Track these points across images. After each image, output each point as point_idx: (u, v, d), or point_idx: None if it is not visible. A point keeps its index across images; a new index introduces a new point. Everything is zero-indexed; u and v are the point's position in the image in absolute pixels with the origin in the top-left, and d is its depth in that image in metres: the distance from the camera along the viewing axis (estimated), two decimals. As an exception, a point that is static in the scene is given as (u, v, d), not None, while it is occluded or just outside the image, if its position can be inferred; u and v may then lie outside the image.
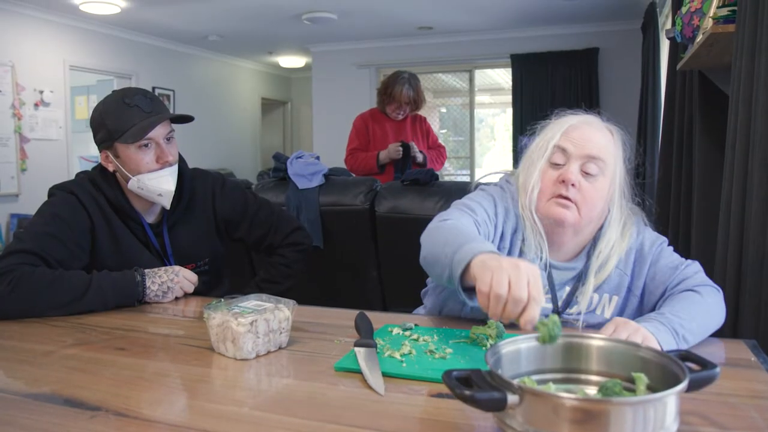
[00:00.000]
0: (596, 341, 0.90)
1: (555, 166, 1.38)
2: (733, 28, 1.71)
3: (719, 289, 1.35)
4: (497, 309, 0.94)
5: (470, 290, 1.10)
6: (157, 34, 7.44)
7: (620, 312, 1.40)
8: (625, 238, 1.41)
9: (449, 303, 1.49)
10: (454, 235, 1.21)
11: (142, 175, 1.67)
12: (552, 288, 1.41)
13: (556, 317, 0.86)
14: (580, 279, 1.42)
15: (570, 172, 1.34)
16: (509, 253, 1.42)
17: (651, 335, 1.15)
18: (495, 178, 1.63)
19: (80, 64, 6.61)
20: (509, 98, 7.59)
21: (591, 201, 1.35)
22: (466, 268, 1.07)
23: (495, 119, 11.54)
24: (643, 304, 1.40)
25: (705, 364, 0.82)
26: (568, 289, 1.43)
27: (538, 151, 1.42)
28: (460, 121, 8.33)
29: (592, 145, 1.35)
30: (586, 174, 1.35)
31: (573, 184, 1.33)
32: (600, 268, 1.38)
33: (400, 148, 3.79)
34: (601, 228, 1.42)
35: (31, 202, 5.84)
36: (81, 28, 6.58)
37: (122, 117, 1.64)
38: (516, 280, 0.93)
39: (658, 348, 1.13)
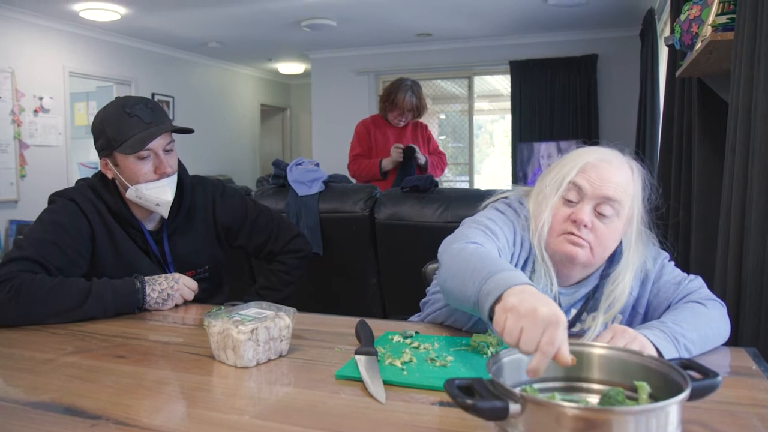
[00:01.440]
0: (598, 350, 0.90)
1: (568, 203, 1.32)
2: (732, 35, 1.72)
3: (723, 304, 1.33)
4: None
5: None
6: (157, 41, 7.45)
7: None
8: (635, 265, 1.37)
9: (456, 313, 1.44)
10: (481, 262, 1.12)
11: (140, 184, 1.67)
12: None
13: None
14: (587, 301, 1.40)
15: (583, 213, 1.29)
16: None
17: (649, 343, 1.14)
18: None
19: (80, 71, 6.62)
20: (508, 104, 7.60)
21: (604, 242, 1.31)
22: (496, 302, 1.00)
23: (494, 125, 11.56)
24: (646, 321, 1.38)
25: (707, 373, 0.82)
26: (574, 311, 1.41)
27: (552, 185, 1.35)
28: (458, 128, 8.34)
29: (609, 185, 1.29)
30: (599, 215, 1.30)
31: (585, 225, 1.29)
32: (611, 304, 1.34)
33: (401, 150, 3.77)
34: (612, 257, 1.38)
35: (30, 209, 5.83)
36: (81, 34, 6.59)
37: (122, 126, 1.64)
38: (528, 330, 0.87)
39: (657, 356, 1.13)
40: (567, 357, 0.85)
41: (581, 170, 1.32)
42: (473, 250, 1.19)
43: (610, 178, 1.30)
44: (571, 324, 1.40)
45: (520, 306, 0.90)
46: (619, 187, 1.30)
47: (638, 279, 1.39)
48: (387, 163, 3.83)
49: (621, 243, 1.37)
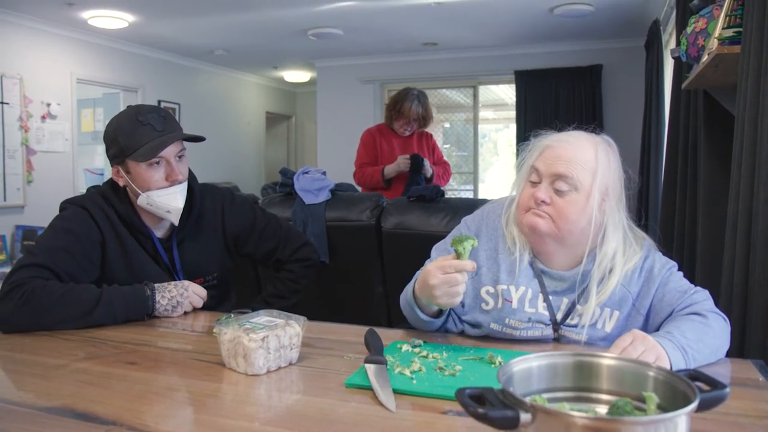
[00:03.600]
0: (607, 360, 0.91)
1: (532, 184, 1.43)
2: (739, 49, 1.73)
3: (726, 318, 1.35)
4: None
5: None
6: (164, 48, 7.49)
7: (621, 328, 1.40)
8: (632, 258, 1.41)
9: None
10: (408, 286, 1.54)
11: (152, 191, 1.68)
12: (546, 297, 1.43)
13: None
14: (582, 293, 1.42)
15: (540, 190, 1.39)
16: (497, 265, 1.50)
17: (665, 355, 1.16)
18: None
19: (87, 78, 6.65)
20: (512, 114, 7.61)
21: (564, 214, 1.38)
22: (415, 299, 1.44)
23: (498, 134, 11.56)
24: (648, 323, 1.41)
25: (715, 384, 0.83)
26: (566, 300, 1.43)
27: (520, 171, 1.49)
28: (463, 137, 8.35)
29: (561, 163, 1.38)
30: (557, 191, 1.38)
31: (544, 201, 1.38)
32: (601, 283, 1.39)
33: (409, 160, 3.78)
34: (601, 243, 1.43)
35: (37, 214, 5.85)
36: (88, 41, 6.63)
37: (134, 134, 1.66)
38: (433, 280, 1.30)
39: (669, 367, 1.14)
40: (462, 263, 1.28)
41: (540, 153, 1.44)
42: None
43: (563, 156, 1.39)
44: (565, 315, 1.43)
45: (418, 282, 1.39)
46: (572, 164, 1.38)
47: (638, 275, 1.42)
48: (389, 171, 3.83)
49: (602, 236, 1.42)
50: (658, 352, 1.16)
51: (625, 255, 1.41)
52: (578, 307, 1.42)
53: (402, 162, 3.79)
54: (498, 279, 1.47)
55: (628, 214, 1.46)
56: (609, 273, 1.39)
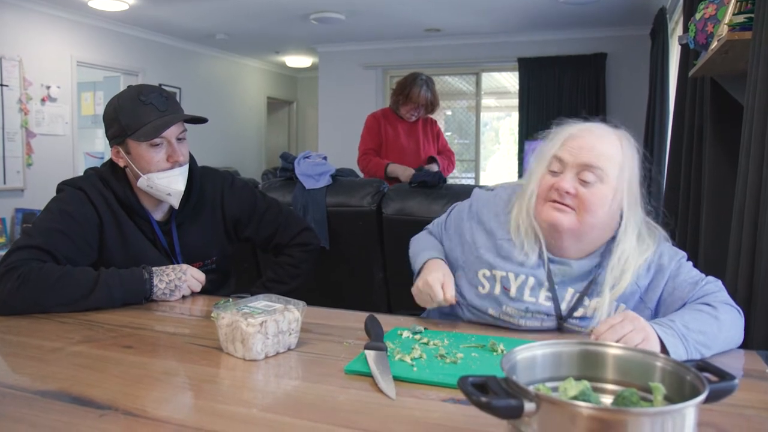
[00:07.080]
0: (613, 349, 0.89)
1: (553, 173, 1.38)
2: (750, 35, 1.70)
3: (740, 310, 1.32)
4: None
5: None
6: (165, 32, 7.45)
7: None
8: (644, 253, 1.37)
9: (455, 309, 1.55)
10: (418, 244, 1.70)
11: (152, 173, 1.66)
12: (552, 287, 1.40)
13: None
14: (589, 285, 1.40)
15: (564, 180, 1.33)
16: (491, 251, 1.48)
17: (655, 336, 1.15)
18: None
19: (87, 60, 6.61)
20: (515, 102, 7.57)
21: (589, 207, 1.32)
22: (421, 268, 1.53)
23: (500, 123, 11.52)
24: (657, 317, 1.37)
25: (723, 375, 0.81)
26: (571, 290, 1.40)
27: (538, 160, 1.43)
28: (465, 124, 8.32)
29: (588, 153, 1.33)
30: (582, 182, 1.33)
31: (568, 192, 1.32)
32: (615, 282, 1.35)
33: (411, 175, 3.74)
34: (614, 238, 1.39)
35: (36, 197, 5.84)
36: (89, 24, 6.58)
37: (136, 114, 1.63)
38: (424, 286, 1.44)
39: (658, 350, 1.13)
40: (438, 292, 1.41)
41: (563, 143, 1.38)
42: (418, 236, 1.78)
43: (590, 146, 1.34)
44: (572, 309, 1.40)
45: (419, 280, 1.50)
46: (601, 155, 1.33)
47: (647, 269, 1.38)
48: (392, 171, 3.80)
49: (618, 232, 1.38)
50: (647, 335, 1.14)
51: (639, 250, 1.37)
52: (587, 300, 1.39)
53: (404, 176, 3.71)
54: (494, 264, 1.44)
55: (645, 207, 1.42)
56: (623, 271, 1.35)
